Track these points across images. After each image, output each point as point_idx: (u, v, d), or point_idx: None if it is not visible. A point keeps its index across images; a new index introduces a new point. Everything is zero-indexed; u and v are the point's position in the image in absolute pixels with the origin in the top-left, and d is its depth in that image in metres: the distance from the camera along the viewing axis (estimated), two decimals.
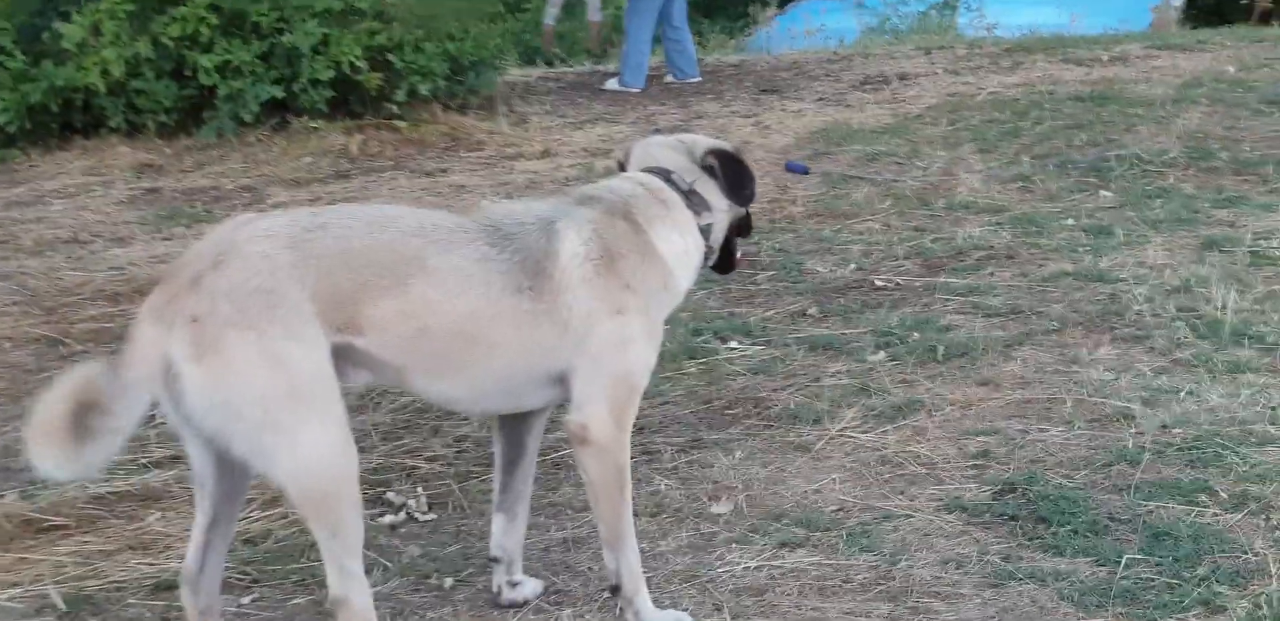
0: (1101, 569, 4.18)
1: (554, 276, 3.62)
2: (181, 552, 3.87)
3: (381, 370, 3.57)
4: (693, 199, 3.90)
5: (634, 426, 5.34)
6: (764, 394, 5.71)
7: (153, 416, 3.46)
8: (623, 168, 4.13)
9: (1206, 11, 22.42)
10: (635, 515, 4.61)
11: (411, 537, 4.65)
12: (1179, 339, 6.03)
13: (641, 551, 4.38)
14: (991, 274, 7.14)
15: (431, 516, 4.79)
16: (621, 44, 15.17)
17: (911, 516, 4.60)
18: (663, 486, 4.91)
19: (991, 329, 6.33)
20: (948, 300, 6.77)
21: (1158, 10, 21.11)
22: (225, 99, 11.63)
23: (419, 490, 4.93)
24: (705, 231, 3.91)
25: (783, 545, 4.43)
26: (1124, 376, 5.67)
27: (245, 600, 4.25)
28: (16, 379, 6.07)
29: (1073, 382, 5.64)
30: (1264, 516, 4.46)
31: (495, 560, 4.14)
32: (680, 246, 3.84)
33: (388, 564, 4.42)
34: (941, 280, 7.06)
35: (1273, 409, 5.28)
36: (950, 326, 6.39)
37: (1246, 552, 4.21)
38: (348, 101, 12.07)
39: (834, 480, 4.91)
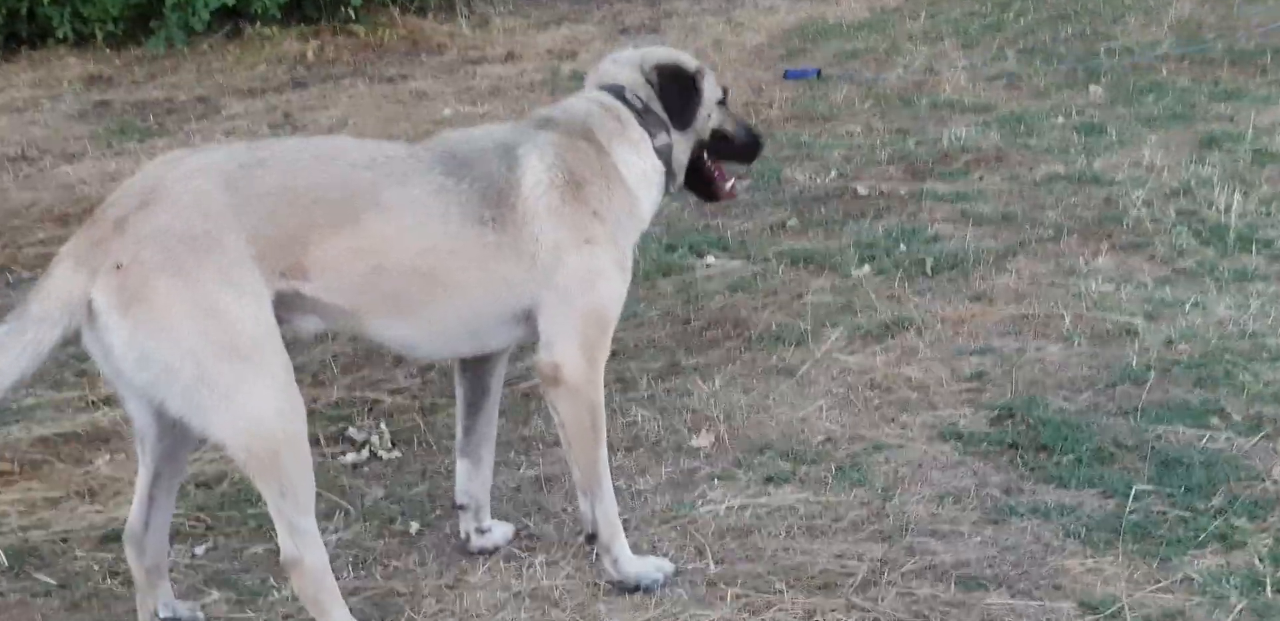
0: (1109, 501, 3.91)
1: (517, 206, 3.30)
2: (131, 498, 3.60)
3: (331, 315, 3.26)
4: (646, 117, 3.57)
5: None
6: (744, 313, 5.40)
7: None
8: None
9: None
10: (611, 450, 4.33)
11: (375, 477, 4.37)
12: (1181, 246, 5.72)
13: (618, 490, 4.12)
14: (980, 178, 6.80)
15: (396, 454, 4.51)
16: None
17: (904, 446, 4.32)
18: (639, 417, 4.62)
19: (983, 238, 6.01)
20: (935, 208, 6.44)
21: None
22: (174, 7, 11.14)
23: (382, 426, 4.63)
24: (663, 152, 3.59)
25: (768, 480, 4.15)
26: (1124, 288, 5.37)
27: (199, 550, 3.97)
28: None
29: (1071, 295, 5.34)
30: None
31: (461, 507, 3.86)
32: (639, 168, 3.53)
33: (349, 507, 4.14)
34: (928, 186, 6.72)
35: None
36: (938, 236, 6.08)
37: (1264, 480, 3.94)
38: (301, 6, 11.59)
39: (820, 407, 4.62)
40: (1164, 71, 8.61)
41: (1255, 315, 5.05)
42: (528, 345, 3.63)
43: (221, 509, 4.17)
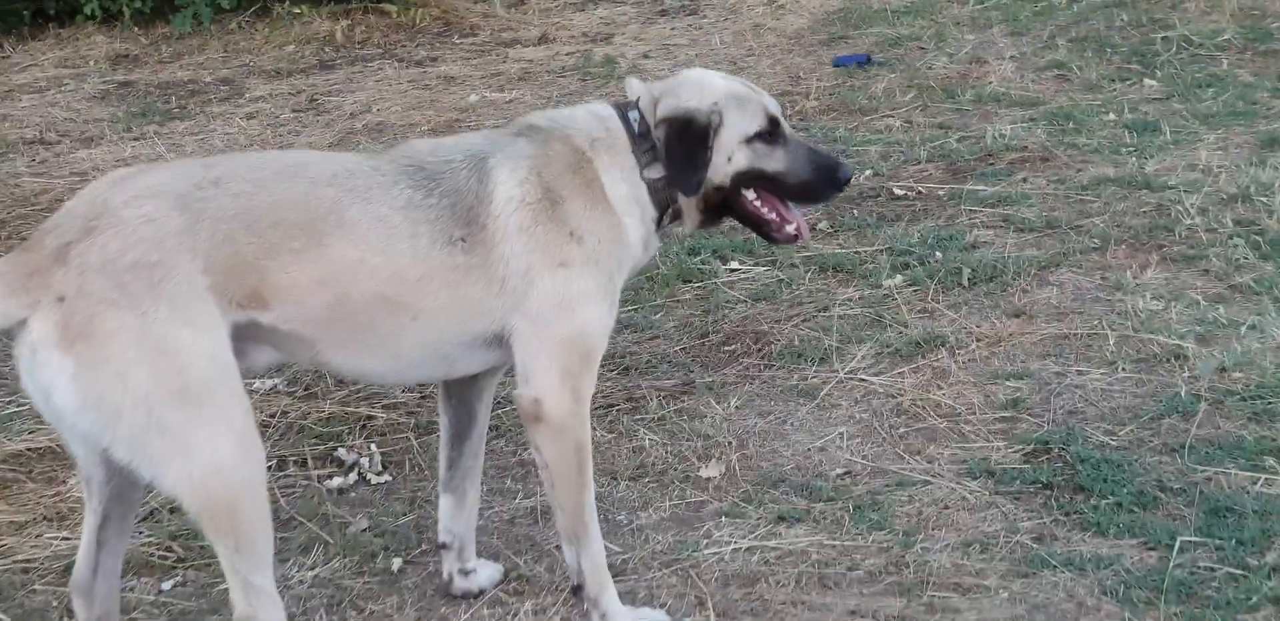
0: (1150, 553, 3.58)
1: (488, 225, 3.02)
2: None
3: (289, 347, 3.00)
4: (641, 143, 3.21)
5: (617, 368, 4.84)
6: (765, 327, 5.07)
7: None
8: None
9: None
10: (615, 478, 4.08)
11: (361, 504, 4.10)
12: (1238, 259, 5.32)
13: (618, 524, 3.86)
14: (1024, 180, 6.41)
15: (385, 478, 4.24)
16: None
17: (929, 482, 4.00)
18: (647, 442, 4.32)
19: (1024, 247, 5.64)
20: (974, 211, 6.06)
21: None
22: None
23: (372, 448, 4.36)
24: (654, 187, 3.21)
25: (780, 519, 3.85)
26: (1174, 306, 4.99)
27: (166, 585, 3.72)
28: None
29: (1115, 313, 4.97)
30: None
31: (444, 546, 3.58)
32: (624, 190, 3.18)
33: (329, 539, 3.87)
34: (968, 188, 6.34)
35: None
36: (977, 243, 5.71)
37: None
38: None
39: (841, 435, 4.30)
40: (1224, 63, 8.14)
41: None
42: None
43: (197, 537, 3.88)
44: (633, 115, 3.22)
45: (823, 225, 6.03)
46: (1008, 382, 4.55)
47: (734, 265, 5.67)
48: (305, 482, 4.21)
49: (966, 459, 4.11)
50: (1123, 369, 4.57)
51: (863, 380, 4.64)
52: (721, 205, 3.28)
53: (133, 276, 2.72)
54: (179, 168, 2.97)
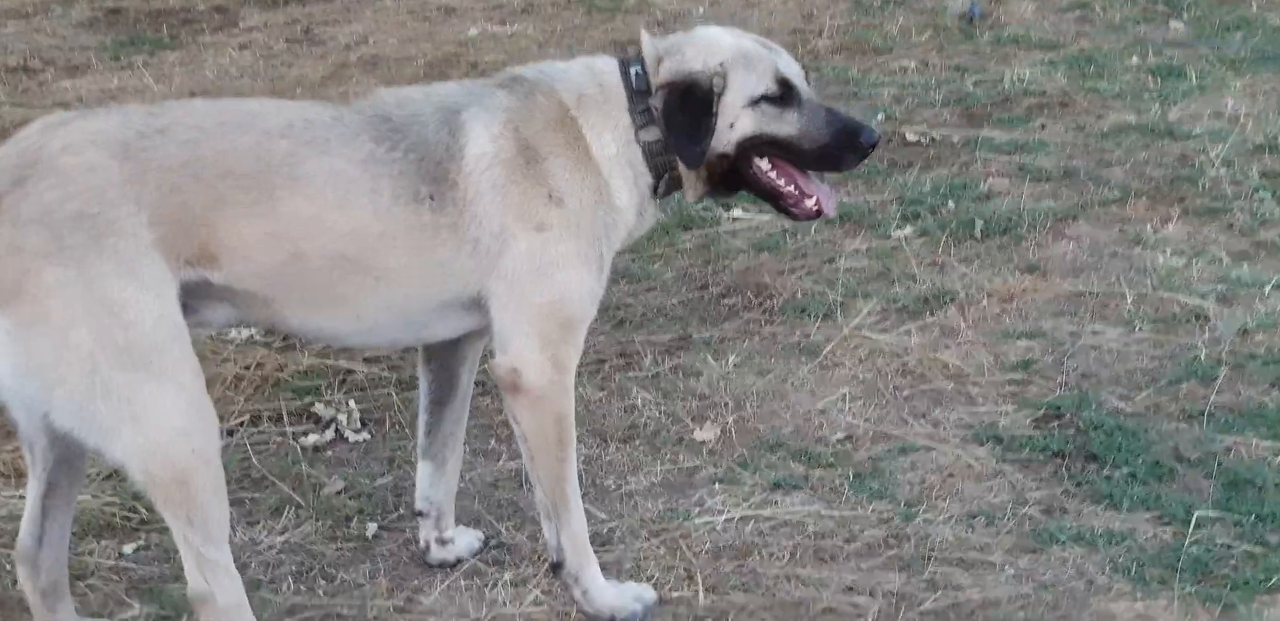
0: (1165, 529, 3.39)
1: (459, 183, 2.79)
2: None
3: (245, 306, 2.82)
4: (637, 102, 2.92)
5: (611, 321, 4.63)
6: (767, 279, 4.85)
7: None
8: None
9: None
10: (605, 440, 3.90)
11: (337, 464, 3.91)
12: (1263, 214, 5.09)
13: (607, 489, 3.69)
14: (1042, 126, 6.15)
15: (364, 436, 4.04)
16: None
17: (934, 448, 3.80)
18: (640, 400, 4.12)
19: (1040, 198, 5.40)
20: (989, 159, 5.81)
21: None
22: None
23: (351, 403, 4.16)
24: (651, 150, 2.93)
25: (776, 487, 3.65)
26: (1196, 263, 4.76)
27: (128, 549, 3.53)
28: None
29: (1134, 270, 4.75)
30: None
31: (421, 514, 3.40)
32: (613, 151, 2.91)
33: (301, 501, 3.68)
34: (983, 134, 6.08)
35: None
36: (991, 193, 5.47)
37: None
38: None
39: (843, 396, 4.10)
40: (1254, 6, 7.83)
41: None
42: None
43: None
44: (634, 70, 2.95)
45: (830, 172, 5.78)
46: (1019, 342, 4.35)
47: (737, 213, 5.44)
48: (279, 439, 4.02)
49: (973, 423, 3.92)
50: (1140, 329, 4.37)
51: (867, 337, 4.43)
52: (730, 175, 2.97)
53: (73, 229, 2.53)
54: (121, 114, 2.75)
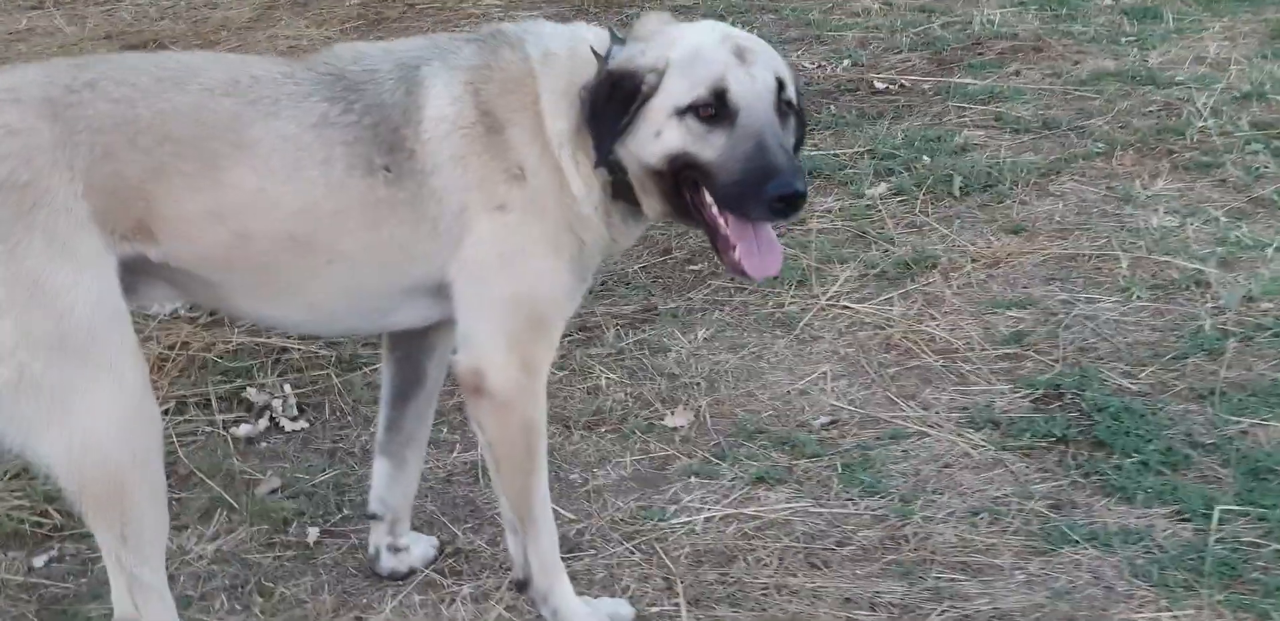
0: (1185, 525, 3.10)
1: (415, 151, 2.42)
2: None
3: (188, 288, 2.49)
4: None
5: None
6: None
7: None
8: None
9: None
10: (569, 428, 3.56)
11: (272, 457, 3.56)
12: (1257, 168, 4.79)
13: (572, 484, 3.35)
14: (1017, 73, 5.82)
15: (301, 424, 3.69)
16: None
17: (927, 434, 3.50)
18: (604, 381, 3.79)
19: (1020, 151, 5.07)
20: (963, 108, 5.48)
21: None
22: None
23: (287, 387, 3.79)
24: None
25: (758, 480, 3.34)
26: (1191, 222, 4.47)
27: (38, 561, 3.16)
28: None
29: (1126, 230, 4.45)
30: None
31: (374, 517, 3.04)
32: (563, 126, 2.48)
33: (233, 503, 3.32)
34: (955, 81, 5.74)
35: None
36: (968, 146, 5.14)
37: None
38: None
39: (825, 375, 3.78)
40: None
41: None
42: None
43: None
44: (616, 50, 2.53)
45: None
46: (1009, 312, 4.04)
47: None
48: (208, 429, 3.65)
49: (967, 405, 3.61)
50: (1138, 297, 4.07)
51: (846, 308, 4.11)
52: (678, 196, 2.48)
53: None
54: (42, 68, 2.40)
